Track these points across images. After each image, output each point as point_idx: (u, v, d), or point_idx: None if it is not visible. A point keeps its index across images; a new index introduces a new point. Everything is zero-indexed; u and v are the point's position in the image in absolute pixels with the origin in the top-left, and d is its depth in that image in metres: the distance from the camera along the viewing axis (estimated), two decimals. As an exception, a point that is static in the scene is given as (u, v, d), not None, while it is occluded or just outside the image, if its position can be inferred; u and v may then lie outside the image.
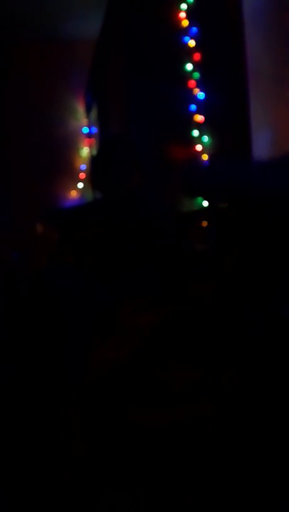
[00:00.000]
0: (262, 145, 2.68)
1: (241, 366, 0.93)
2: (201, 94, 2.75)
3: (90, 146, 4.05)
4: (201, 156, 2.76)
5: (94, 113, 3.90)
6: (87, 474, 0.88)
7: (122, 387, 0.98)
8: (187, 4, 2.79)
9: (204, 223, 2.60)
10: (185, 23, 2.78)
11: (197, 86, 2.76)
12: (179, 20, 2.79)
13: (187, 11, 2.79)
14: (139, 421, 0.88)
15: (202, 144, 2.76)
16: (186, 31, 2.78)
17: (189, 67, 2.76)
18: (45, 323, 1.49)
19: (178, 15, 2.79)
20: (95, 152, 2.13)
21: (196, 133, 2.75)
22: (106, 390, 0.99)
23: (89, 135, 4.09)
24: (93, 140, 3.99)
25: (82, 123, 4.16)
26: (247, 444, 0.79)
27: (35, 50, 4.11)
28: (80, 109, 4.17)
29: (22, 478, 1.06)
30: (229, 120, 2.82)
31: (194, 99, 2.76)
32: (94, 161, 2.06)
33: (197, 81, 2.76)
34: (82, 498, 0.85)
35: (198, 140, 2.76)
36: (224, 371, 0.95)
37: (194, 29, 2.77)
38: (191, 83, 2.76)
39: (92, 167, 2.07)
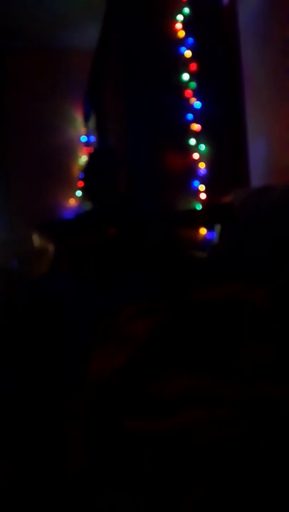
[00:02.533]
0: (258, 153, 2.71)
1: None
2: (197, 104, 2.78)
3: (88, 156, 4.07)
4: (198, 164, 2.79)
5: (92, 122, 3.93)
6: (86, 476, 0.89)
7: (118, 394, 0.98)
8: (183, 15, 2.83)
9: (200, 228, 2.62)
10: (181, 33, 2.82)
11: (194, 95, 2.79)
12: (176, 31, 2.82)
13: (183, 22, 2.83)
14: (137, 428, 0.88)
15: (199, 153, 2.78)
16: (182, 42, 2.82)
17: (186, 77, 2.79)
18: (45, 329, 1.50)
19: (174, 26, 2.83)
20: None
21: (192, 141, 2.78)
22: (103, 397, 1.00)
23: (87, 144, 4.12)
24: (91, 149, 4.01)
25: (81, 132, 4.19)
26: (244, 449, 0.80)
27: (34, 60, 4.14)
28: (78, 118, 4.20)
29: (22, 479, 1.06)
30: (226, 129, 2.85)
31: (191, 109, 2.79)
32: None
33: (194, 91, 2.79)
34: (82, 498, 0.85)
35: (195, 148, 2.79)
36: (221, 378, 0.95)
37: (190, 40, 2.81)
38: (188, 93, 2.79)
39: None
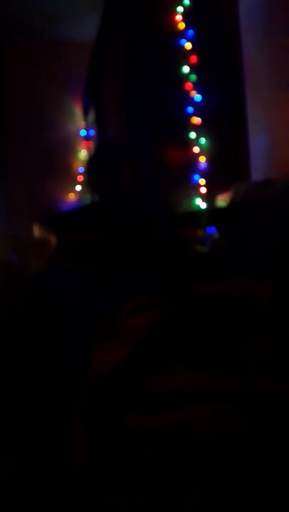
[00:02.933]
0: (259, 146, 2.70)
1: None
2: (197, 97, 2.76)
3: (88, 149, 4.06)
4: (198, 158, 2.78)
5: (92, 115, 3.91)
6: (88, 473, 0.89)
7: (119, 389, 0.98)
8: (183, 7, 2.81)
9: (201, 224, 2.61)
10: (181, 25, 2.79)
11: (194, 88, 2.77)
12: (176, 23, 2.80)
13: (183, 14, 2.81)
14: (137, 423, 0.88)
15: (199, 146, 2.77)
16: (182, 34, 2.79)
17: (186, 69, 2.77)
18: (45, 325, 1.49)
19: (174, 18, 2.81)
20: (88, 156, 2.16)
21: (193, 135, 2.77)
22: (104, 393, 1.00)
23: (87, 138, 4.10)
24: (91, 143, 4.00)
25: (80, 125, 4.17)
26: (245, 446, 0.79)
27: (33, 53, 4.12)
28: (78, 111, 4.18)
29: (24, 478, 1.06)
30: (226, 122, 2.83)
31: (191, 102, 2.77)
32: (88, 164, 2.09)
33: (194, 83, 2.77)
34: (82, 498, 0.85)
35: (196, 142, 2.77)
36: (222, 373, 0.95)
37: (191, 32, 2.79)
38: (188, 85, 2.77)
39: (87, 170, 2.09)
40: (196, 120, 2.76)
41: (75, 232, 1.87)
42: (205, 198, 2.74)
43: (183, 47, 2.79)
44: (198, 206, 2.74)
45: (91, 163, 2.05)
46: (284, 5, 2.37)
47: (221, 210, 2.43)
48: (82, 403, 1.04)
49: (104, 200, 2.00)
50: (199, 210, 2.68)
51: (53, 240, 1.88)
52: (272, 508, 0.72)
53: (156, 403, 0.92)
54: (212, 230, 2.57)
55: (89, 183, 2.10)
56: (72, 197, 4.08)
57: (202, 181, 2.76)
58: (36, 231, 1.94)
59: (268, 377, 0.94)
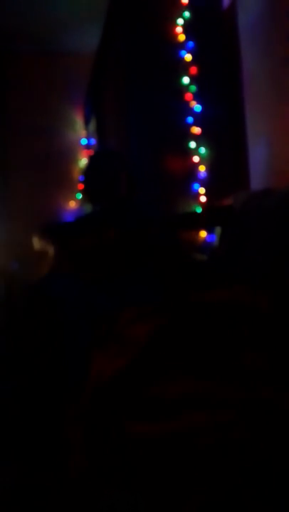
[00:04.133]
0: (258, 156, 2.72)
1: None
2: (197, 107, 2.79)
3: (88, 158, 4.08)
4: (198, 167, 2.80)
5: (92, 125, 3.94)
6: (87, 479, 0.89)
7: (119, 397, 0.98)
8: (184, 19, 2.84)
9: (200, 230, 2.63)
10: (182, 37, 2.83)
11: (194, 99, 2.80)
12: (176, 35, 2.83)
13: (184, 26, 2.84)
14: (137, 431, 0.88)
15: (199, 156, 2.79)
16: (182, 45, 2.83)
17: (186, 80, 2.80)
18: (45, 331, 1.50)
19: (174, 29, 2.84)
20: (86, 166, 2.16)
21: (193, 144, 2.79)
22: (104, 400, 1.00)
23: (87, 146, 4.13)
24: (91, 151, 4.02)
25: (81, 134, 4.20)
26: (245, 453, 0.80)
27: (35, 62, 4.15)
28: (79, 120, 4.21)
29: (23, 481, 1.06)
30: (226, 132, 2.86)
31: (191, 112, 2.79)
32: (85, 175, 2.10)
33: (194, 94, 2.80)
34: (82, 498, 0.85)
35: (196, 151, 2.79)
36: (221, 382, 0.95)
37: (191, 43, 2.82)
38: (188, 96, 2.80)
39: (85, 181, 2.11)
40: (196, 130, 2.79)
41: (73, 241, 1.88)
42: (204, 206, 2.76)
43: (183, 58, 2.82)
44: (196, 210, 2.76)
45: (89, 174, 2.07)
46: (282, 17, 2.40)
47: (218, 209, 2.45)
48: (81, 410, 1.04)
49: (102, 210, 2.02)
50: (197, 212, 2.70)
51: (52, 251, 1.90)
52: (271, 509, 0.72)
53: (156, 411, 0.92)
54: (211, 238, 2.58)
55: (86, 192, 2.11)
56: (72, 205, 4.10)
57: (202, 190, 2.78)
58: (36, 242, 1.95)
59: (267, 387, 0.94)
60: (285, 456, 0.78)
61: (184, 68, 2.81)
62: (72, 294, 1.57)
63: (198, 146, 2.79)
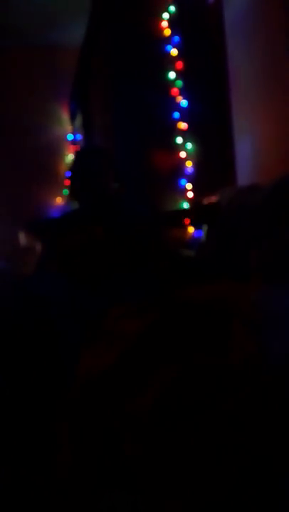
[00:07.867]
0: (244, 151, 2.73)
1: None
2: (184, 102, 2.79)
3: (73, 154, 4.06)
4: (184, 163, 2.80)
5: (78, 120, 3.91)
6: (74, 476, 0.89)
7: (107, 394, 0.98)
8: (169, 14, 2.83)
9: (188, 226, 2.64)
10: (167, 32, 2.82)
11: (180, 94, 2.79)
12: (161, 30, 2.82)
13: (169, 20, 2.83)
14: (125, 428, 0.88)
15: (186, 151, 2.79)
16: (168, 40, 2.82)
17: (172, 75, 2.80)
18: (34, 331, 1.49)
19: (160, 24, 2.83)
20: (71, 164, 2.13)
21: (179, 140, 2.79)
22: (92, 398, 1.00)
23: (73, 142, 4.10)
24: (78, 147, 4.00)
25: (67, 130, 4.17)
26: (243, 447, 0.80)
27: (20, 57, 4.11)
28: (65, 116, 4.18)
29: (18, 479, 1.06)
30: (212, 127, 2.86)
31: (177, 107, 2.79)
32: (71, 172, 2.08)
33: (180, 89, 2.80)
34: (82, 498, 0.85)
35: (182, 147, 2.79)
36: (209, 374, 0.96)
37: (176, 38, 2.81)
38: (174, 91, 2.80)
39: (70, 178, 2.09)
40: (183, 125, 2.78)
41: (60, 238, 1.87)
42: (191, 202, 2.76)
43: (169, 53, 2.81)
44: (184, 206, 2.77)
45: (75, 171, 2.05)
46: (268, 12, 2.41)
47: (205, 207, 2.46)
48: (69, 407, 1.04)
49: (89, 206, 2.01)
50: (184, 209, 2.70)
51: (38, 247, 1.88)
52: (271, 508, 0.73)
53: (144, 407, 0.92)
54: (199, 234, 2.59)
55: (72, 189, 2.10)
56: (59, 201, 4.08)
57: (189, 186, 2.78)
58: (22, 238, 1.93)
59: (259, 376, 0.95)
60: (285, 452, 0.78)
61: (169, 63, 2.80)
62: (59, 295, 1.57)
63: (184, 142, 2.78)
